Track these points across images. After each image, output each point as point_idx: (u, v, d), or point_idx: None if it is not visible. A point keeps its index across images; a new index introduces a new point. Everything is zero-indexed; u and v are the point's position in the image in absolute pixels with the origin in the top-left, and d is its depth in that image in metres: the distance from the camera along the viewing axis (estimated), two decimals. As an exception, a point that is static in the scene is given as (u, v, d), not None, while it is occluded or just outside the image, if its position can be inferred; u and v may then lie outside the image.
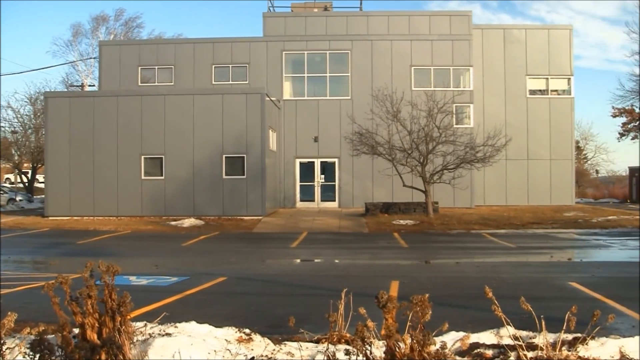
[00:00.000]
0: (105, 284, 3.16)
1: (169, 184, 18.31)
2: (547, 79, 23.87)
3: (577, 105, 72.38)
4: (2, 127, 30.79)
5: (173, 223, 16.67)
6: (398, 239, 13.45)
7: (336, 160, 22.18)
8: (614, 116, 28.97)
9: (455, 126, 18.61)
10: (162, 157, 18.44)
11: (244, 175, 18.27)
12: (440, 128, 17.21)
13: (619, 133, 29.51)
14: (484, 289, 3.33)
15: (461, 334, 4.00)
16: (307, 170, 22.42)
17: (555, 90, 24.01)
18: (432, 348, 2.69)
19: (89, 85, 33.82)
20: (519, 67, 23.67)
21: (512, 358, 3.61)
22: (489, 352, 3.81)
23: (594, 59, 78.88)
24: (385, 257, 10.93)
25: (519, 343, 3.54)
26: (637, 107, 28.44)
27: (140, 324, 4.19)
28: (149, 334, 3.97)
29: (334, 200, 22.24)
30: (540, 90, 23.98)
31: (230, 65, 22.51)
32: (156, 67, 22.70)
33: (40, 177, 32.83)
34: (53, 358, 2.89)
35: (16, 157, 30.91)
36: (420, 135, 17.25)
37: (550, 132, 23.55)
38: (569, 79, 23.95)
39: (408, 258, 10.66)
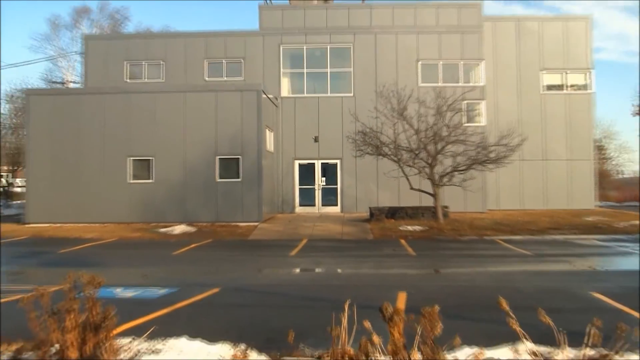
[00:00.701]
0: (88, 296, 3.13)
1: (159, 187, 18.32)
2: (564, 73, 23.87)
3: (598, 100, 72.29)
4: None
5: (162, 230, 16.67)
6: (405, 246, 13.43)
7: (338, 161, 22.18)
8: (634, 114, 28.95)
9: (465, 124, 18.62)
10: (151, 159, 18.46)
11: (239, 178, 18.28)
12: (450, 126, 17.18)
13: (642, 130, 29.47)
14: (499, 299, 3.29)
15: (475, 349, 3.95)
16: (306, 173, 22.42)
17: (573, 85, 24.00)
18: (444, 365, 2.65)
19: (72, 82, 33.88)
20: (533, 61, 23.69)
21: (530, 375, 3.57)
22: (505, 369, 3.76)
23: (615, 51, 78.88)
24: (391, 265, 10.90)
25: (538, 359, 3.50)
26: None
27: (126, 340, 4.15)
28: (136, 350, 3.93)
29: (336, 205, 22.24)
30: (556, 86, 23.97)
31: (224, 60, 22.56)
32: (144, 62, 22.76)
33: (19, 181, 32.84)
34: (31, 377, 2.85)
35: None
36: (428, 135, 17.23)
37: (568, 130, 23.55)
38: (588, 72, 23.94)
39: (416, 267, 10.63)
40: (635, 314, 6.13)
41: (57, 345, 3.08)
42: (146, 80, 22.65)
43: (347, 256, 12.39)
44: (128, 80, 22.70)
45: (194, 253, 12.79)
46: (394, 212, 18.50)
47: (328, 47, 22.45)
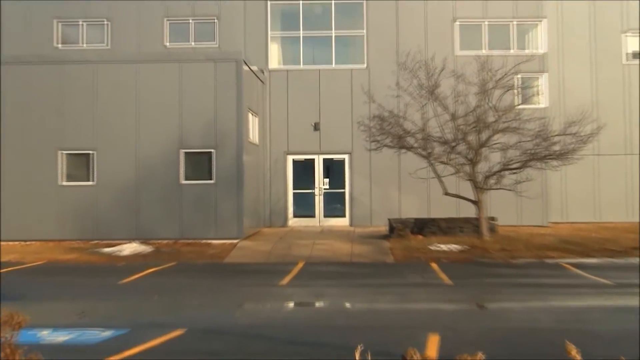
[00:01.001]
0: (5, 341, 3.11)
1: (102, 192, 18.31)
2: (655, 36, 23.80)
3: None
4: None
5: (107, 250, 16.65)
6: (437, 272, 13.42)
7: (346, 157, 22.15)
8: None
9: (520, 106, 18.56)
10: (91, 154, 18.48)
11: (211, 179, 18.29)
12: (499, 109, 17.16)
13: None
14: (566, 346, 3.27)
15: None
16: (303, 172, 22.39)
17: (668, 53, 23.94)
18: None
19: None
20: (613, 20, 23.64)
21: None
22: None
23: None
24: (418, 298, 10.88)
25: None
26: None
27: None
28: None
29: (344, 216, 22.23)
30: (644, 54, 23.93)
31: (192, 20, 22.57)
32: (82, 21, 22.77)
33: None
34: None
35: None
36: (468, 120, 17.20)
37: (660, 114, 23.47)
38: (688, 35, 23.88)
39: (452, 300, 10.61)
40: None
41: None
42: (85, 46, 22.63)
43: (359, 285, 12.36)
44: (59, 46, 22.69)
45: (149, 281, 12.76)
46: (422, 226, 18.47)
47: (333, 1, 22.43)
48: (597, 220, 22.95)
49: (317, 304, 10.77)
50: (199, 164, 18.37)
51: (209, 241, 17.81)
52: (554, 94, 22.69)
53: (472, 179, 17.33)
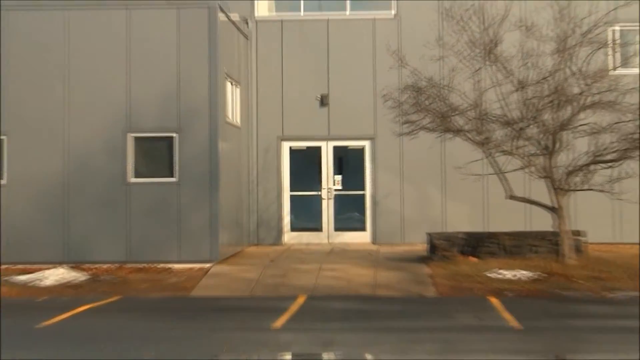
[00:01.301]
0: None
1: (15, 195, 18.35)
2: None
3: None
4: None
5: (22, 278, 16.70)
6: (499, 310, 13.41)
7: (367, 144, 22.24)
8: None
9: (617, 71, 18.43)
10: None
11: (172, 176, 18.38)
12: (586, 76, 17.06)
13: None
14: None
15: None
16: (306, 167, 22.54)
17: None
18: None
19: None
20: None
21: None
22: None
23: None
24: (472, 348, 10.80)
25: None
26: None
27: None
28: None
29: (363, 229, 22.36)
30: None
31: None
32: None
33: None
34: None
35: None
36: (543, 92, 17.13)
37: None
38: None
39: (521, 351, 10.54)
40: None
41: None
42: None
43: (385, 330, 12.30)
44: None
45: (82, 324, 12.77)
46: (476, 244, 18.47)
47: None
48: None
49: (326, 356, 10.73)
50: (155, 155, 18.49)
51: (170, 265, 17.87)
52: (665, 54, 22.50)
53: (548, 175, 17.32)
